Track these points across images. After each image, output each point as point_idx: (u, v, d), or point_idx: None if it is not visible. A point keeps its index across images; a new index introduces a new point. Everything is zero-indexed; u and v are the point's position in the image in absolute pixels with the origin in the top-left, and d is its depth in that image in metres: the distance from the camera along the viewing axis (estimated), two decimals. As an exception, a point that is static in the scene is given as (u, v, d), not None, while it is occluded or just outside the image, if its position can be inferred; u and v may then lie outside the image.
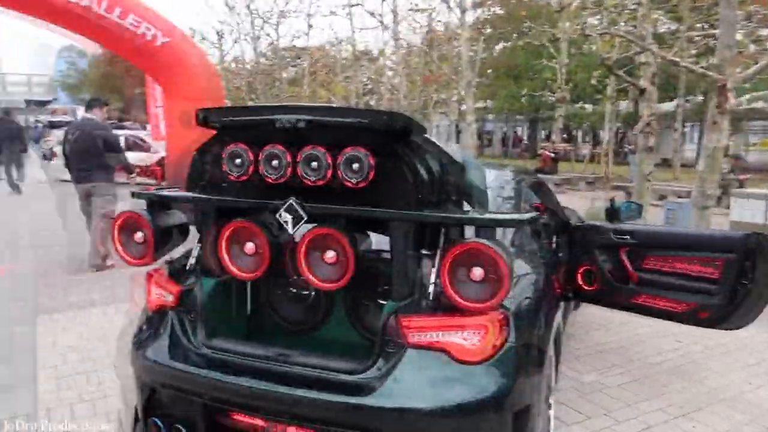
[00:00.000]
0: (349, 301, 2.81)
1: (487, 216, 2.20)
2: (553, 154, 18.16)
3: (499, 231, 2.49)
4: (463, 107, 15.66)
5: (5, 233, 8.52)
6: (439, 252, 2.24)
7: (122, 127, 21.48)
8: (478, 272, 2.07)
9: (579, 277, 4.22)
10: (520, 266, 2.62)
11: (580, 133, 34.50)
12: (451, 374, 2.12)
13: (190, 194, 2.58)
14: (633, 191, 9.58)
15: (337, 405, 2.10)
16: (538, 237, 3.25)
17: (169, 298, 2.56)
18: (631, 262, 3.86)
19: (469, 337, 2.16)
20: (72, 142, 6.36)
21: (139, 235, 2.53)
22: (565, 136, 28.05)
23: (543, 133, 34.84)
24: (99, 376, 3.64)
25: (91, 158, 6.25)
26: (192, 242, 2.71)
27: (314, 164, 2.22)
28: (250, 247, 2.40)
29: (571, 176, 17.47)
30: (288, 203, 2.32)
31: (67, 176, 7.40)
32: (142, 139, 15.41)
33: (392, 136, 2.22)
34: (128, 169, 6.66)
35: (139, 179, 7.60)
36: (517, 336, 2.25)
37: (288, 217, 2.34)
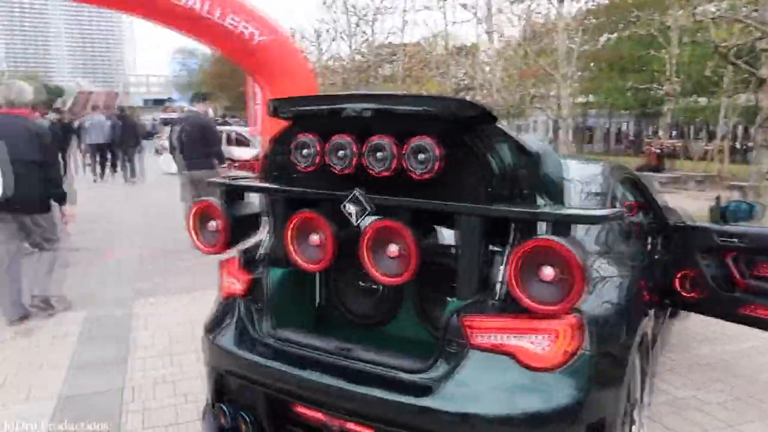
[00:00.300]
0: (418, 297, 2.72)
1: (559, 211, 2.02)
2: (658, 151, 16.97)
3: (580, 229, 2.32)
4: (562, 102, 15.11)
5: (117, 221, 9.20)
6: (508, 249, 2.10)
7: (226, 124, 22.64)
8: (548, 272, 1.91)
9: (677, 282, 3.89)
10: (602, 267, 2.42)
11: (692, 129, 32.13)
12: (517, 380, 1.97)
13: (258, 184, 2.61)
14: (750, 191, 8.74)
15: (393, 404, 2.02)
16: (627, 236, 3.00)
17: (238, 287, 2.59)
18: (739, 268, 3.50)
19: (538, 342, 2.00)
20: (179, 134, 6.84)
21: (212, 224, 2.58)
22: (674, 132, 26.23)
23: (650, 129, 32.81)
24: (182, 358, 3.80)
25: (194, 148, 6.68)
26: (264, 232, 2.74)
27: (380, 154, 2.16)
28: (315, 238, 2.38)
29: (680, 174, 16.26)
30: (353, 195, 2.27)
31: (173, 169, 7.92)
32: (244, 135, 16.14)
33: (461, 125, 2.10)
34: (220, 159, 6.96)
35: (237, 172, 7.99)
36: (593, 343, 2.06)
37: (353, 209, 2.29)
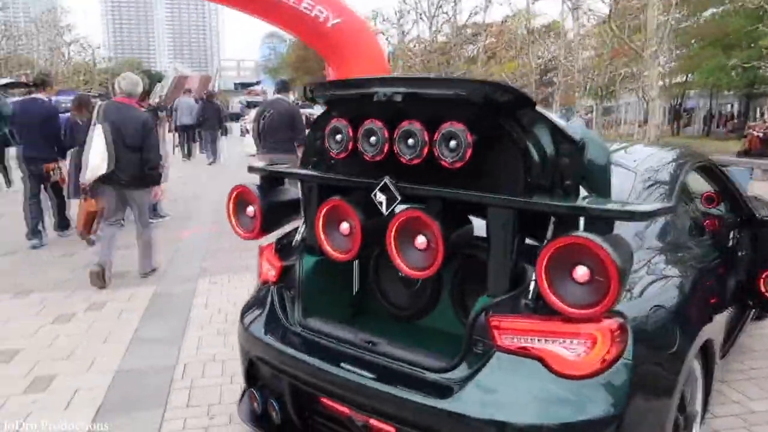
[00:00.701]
0: (457, 291, 2.59)
1: (592, 205, 1.81)
2: (761, 135, 15.51)
3: (629, 225, 2.10)
4: (661, 83, 14.06)
5: (196, 200, 9.60)
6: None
7: (307, 106, 23.04)
8: (582, 272, 1.73)
9: (762, 282, 3.52)
10: (656, 266, 2.19)
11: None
12: (545, 388, 1.82)
13: (291, 170, 2.56)
14: None
15: (411, 404, 1.92)
16: (694, 231, 2.72)
17: (272, 274, 2.58)
18: None
19: (572, 347, 1.83)
20: (266, 119, 7.04)
21: (249, 209, 2.56)
22: (786, 114, 24.01)
23: (758, 111, 30.19)
24: (234, 339, 3.84)
25: (279, 133, 6.87)
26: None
27: (411, 141, 2.05)
28: (345, 227, 2.30)
29: (789, 161, 14.82)
30: (382, 183, 2.17)
31: (253, 150, 8.17)
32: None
33: (497, 110, 1.95)
34: (304, 143, 7.09)
35: None
36: (638, 351, 1.86)
37: (383, 198, 2.19)
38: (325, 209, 2.32)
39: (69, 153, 6.28)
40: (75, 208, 6.89)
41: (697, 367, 2.34)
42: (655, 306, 2.02)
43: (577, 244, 1.71)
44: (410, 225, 2.07)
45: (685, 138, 31.32)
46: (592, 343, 1.82)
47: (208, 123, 14.60)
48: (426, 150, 2.02)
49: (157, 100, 21.40)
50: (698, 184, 3.38)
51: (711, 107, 35.69)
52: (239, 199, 2.58)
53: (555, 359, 1.83)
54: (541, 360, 1.84)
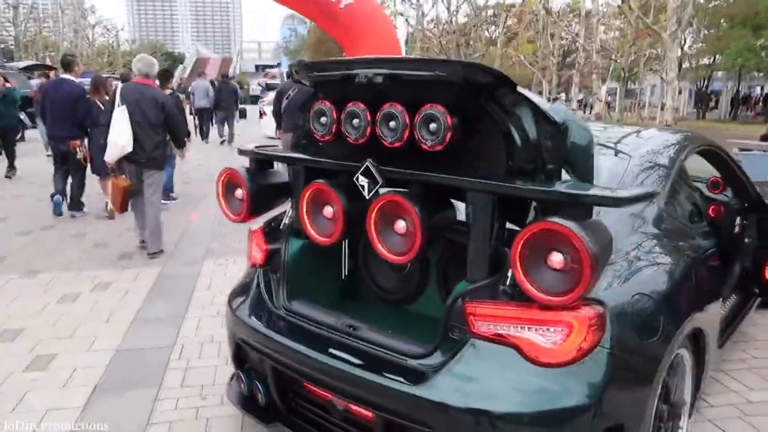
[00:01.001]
0: (443, 276, 2.57)
1: (562, 190, 1.76)
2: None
3: (614, 210, 2.05)
4: (686, 64, 13.64)
5: (209, 181, 9.64)
6: None
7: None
8: (556, 258, 1.69)
9: (767, 270, 3.45)
10: (644, 253, 2.14)
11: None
12: (520, 375, 1.79)
13: (278, 152, 2.54)
14: None
15: (387, 389, 1.91)
16: (690, 217, 2.65)
17: (259, 257, 2.58)
18: None
19: (548, 335, 1.80)
20: (288, 99, 7.08)
21: (238, 192, 2.55)
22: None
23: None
24: (232, 320, 3.90)
25: (299, 114, 6.88)
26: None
27: (392, 124, 2.01)
28: (328, 210, 2.28)
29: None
30: (365, 166, 2.14)
31: (272, 133, 8.18)
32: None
33: (476, 92, 1.90)
34: None
35: None
36: (617, 339, 1.82)
37: (365, 181, 2.17)
38: (308, 192, 2.30)
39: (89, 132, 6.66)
40: (95, 187, 7.23)
41: (685, 356, 2.29)
42: (639, 294, 1.97)
43: (551, 230, 1.66)
44: (390, 209, 2.04)
45: (710, 122, 30.62)
46: (569, 331, 1.78)
47: (224, 104, 14.64)
48: (407, 133, 1.98)
49: (177, 82, 21.50)
50: (704, 169, 3.30)
51: (738, 90, 34.74)
52: (228, 181, 2.57)
53: (531, 347, 1.80)
54: (516, 347, 1.81)
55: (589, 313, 1.79)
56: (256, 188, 2.51)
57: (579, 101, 20.04)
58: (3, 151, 9.42)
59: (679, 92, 38.74)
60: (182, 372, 3.25)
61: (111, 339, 3.65)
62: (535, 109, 1.90)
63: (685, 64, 34.74)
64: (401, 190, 2.07)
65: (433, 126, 1.92)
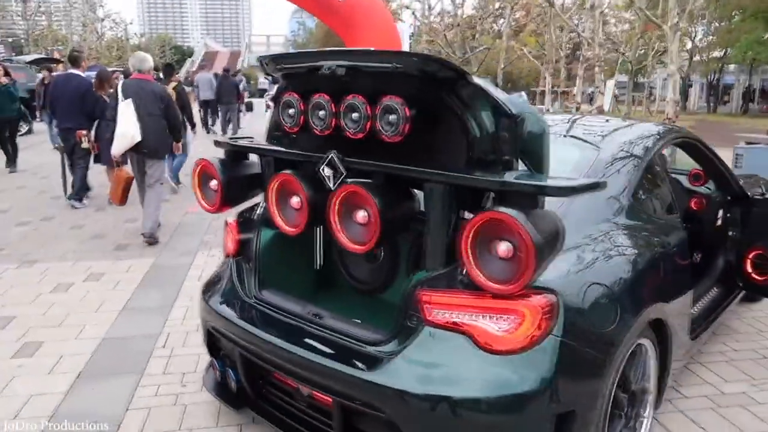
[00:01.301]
0: (411, 266, 2.60)
1: (505, 179, 1.80)
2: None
3: (571, 201, 2.08)
4: (697, 57, 13.46)
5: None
6: None
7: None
8: (503, 247, 1.72)
9: (748, 262, 3.46)
10: (603, 243, 2.17)
11: None
12: (470, 362, 1.83)
13: (251, 144, 2.59)
14: None
15: (343, 375, 1.96)
16: (658, 208, 2.68)
17: (231, 247, 2.62)
18: None
19: (499, 323, 1.84)
20: None
21: (213, 183, 2.60)
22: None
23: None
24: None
25: None
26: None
27: (355, 115, 2.05)
28: (295, 200, 2.32)
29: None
30: (329, 157, 2.19)
31: None
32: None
33: (435, 84, 1.93)
34: None
35: None
36: (569, 328, 1.86)
37: (329, 172, 2.21)
38: (275, 183, 2.35)
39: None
40: (98, 177, 7.47)
41: (648, 346, 2.32)
42: (594, 283, 2.00)
43: (496, 219, 1.70)
44: (351, 200, 2.08)
45: (721, 115, 30.32)
46: (521, 320, 1.82)
47: (225, 99, 14.71)
48: (369, 124, 2.02)
49: (185, 75, 21.61)
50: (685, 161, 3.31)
51: (750, 83, 34.34)
52: (203, 172, 2.62)
53: (483, 334, 1.84)
54: (469, 335, 1.85)
55: (541, 301, 1.82)
56: (229, 179, 2.55)
57: (585, 94, 19.94)
58: (8, 145, 9.55)
59: (690, 85, 38.35)
60: (166, 360, 3.32)
61: (99, 327, 3.73)
62: (493, 102, 1.92)
63: (696, 57, 34.38)
64: (365, 180, 2.11)
65: (392, 117, 1.95)
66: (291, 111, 2.29)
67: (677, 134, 3.08)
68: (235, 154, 2.65)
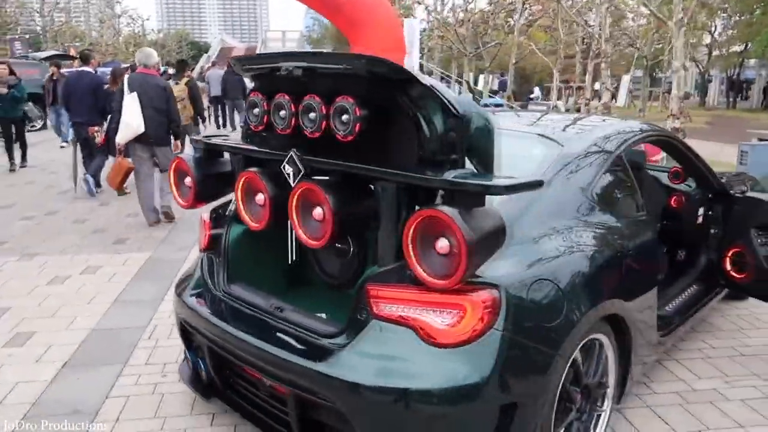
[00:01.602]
0: (376, 261, 2.66)
1: (442, 177, 1.84)
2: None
3: (520, 198, 2.13)
4: (717, 52, 13.19)
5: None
6: None
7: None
8: (441, 243, 1.78)
9: (727, 260, 3.47)
10: (555, 240, 2.20)
11: None
12: (414, 355, 1.89)
13: (222, 142, 2.66)
14: None
15: (295, 366, 2.03)
16: (623, 207, 2.70)
17: (203, 242, 2.71)
18: None
19: (443, 317, 1.89)
20: None
21: (187, 180, 2.68)
22: None
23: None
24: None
25: None
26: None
27: (312, 115, 2.13)
28: (259, 197, 2.39)
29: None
30: (289, 156, 2.26)
31: None
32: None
33: (385, 85, 1.99)
34: None
35: None
36: (512, 322, 1.90)
37: (290, 170, 2.28)
38: (241, 181, 2.42)
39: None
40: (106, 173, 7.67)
41: (604, 341, 2.35)
42: (541, 279, 2.03)
43: (434, 216, 1.75)
44: (307, 197, 2.15)
45: (740, 111, 29.82)
46: (463, 314, 1.87)
47: (230, 94, 14.82)
48: (325, 124, 2.09)
49: (199, 71, 21.82)
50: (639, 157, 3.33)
51: (770, 78, 33.72)
52: (178, 169, 2.70)
53: (427, 328, 1.89)
54: (413, 329, 1.91)
55: (483, 296, 1.87)
56: (202, 176, 2.63)
57: (595, 91, 19.75)
58: (16, 143, 9.75)
59: (710, 81, 37.67)
60: (150, 350, 3.42)
61: (90, 319, 3.84)
62: (441, 101, 1.97)
63: (716, 52, 33.82)
64: (321, 178, 2.18)
65: (344, 117, 2.02)
66: (256, 111, 2.38)
67: (650, 132, 3.09)
68: (210, 152, 2.72)
